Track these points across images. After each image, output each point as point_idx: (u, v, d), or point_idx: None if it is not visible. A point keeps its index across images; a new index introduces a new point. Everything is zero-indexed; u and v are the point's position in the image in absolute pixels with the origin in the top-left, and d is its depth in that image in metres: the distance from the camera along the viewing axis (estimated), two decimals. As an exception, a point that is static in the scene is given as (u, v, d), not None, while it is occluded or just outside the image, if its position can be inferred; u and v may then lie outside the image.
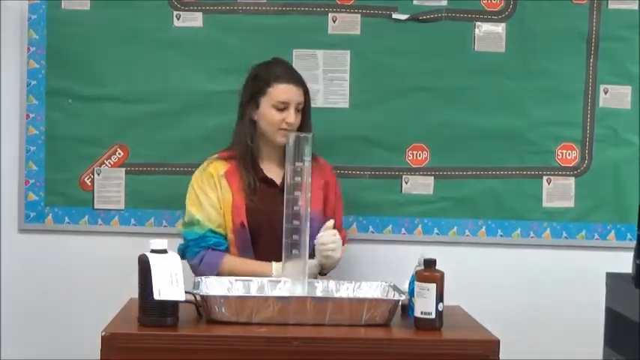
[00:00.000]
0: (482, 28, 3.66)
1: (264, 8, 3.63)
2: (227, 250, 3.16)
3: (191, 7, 3.62)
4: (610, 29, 3.66)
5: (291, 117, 3.16)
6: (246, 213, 3.15)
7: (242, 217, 3.14)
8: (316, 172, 3.12)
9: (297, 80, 3.21)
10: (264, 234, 3.15)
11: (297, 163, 2.72)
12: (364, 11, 3.64)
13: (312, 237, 3.01)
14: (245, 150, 3.21)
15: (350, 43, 3.64)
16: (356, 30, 3.64)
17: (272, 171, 3.24)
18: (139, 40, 3.62)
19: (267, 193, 3.19)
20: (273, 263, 3.05)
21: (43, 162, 3.63)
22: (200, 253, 3.14)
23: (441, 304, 2.60)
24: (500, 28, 3.65)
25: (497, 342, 2.54)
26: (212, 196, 3.18)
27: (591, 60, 3.67)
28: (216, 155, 3.26)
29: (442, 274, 2.62)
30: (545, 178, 3.70)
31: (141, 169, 3.63)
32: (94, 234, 3.67)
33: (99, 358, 2.48)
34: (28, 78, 3.61)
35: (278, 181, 3.22)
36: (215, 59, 3.54)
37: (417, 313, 2.61)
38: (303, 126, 3.23)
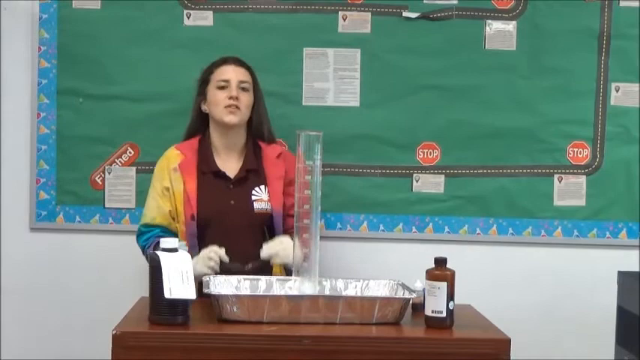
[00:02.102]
0: (493, 27, 3.65)
1: (274, 7, 3.63)
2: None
3: (201, 6, 3.62)
4: (621, 27, 3.65)
5: (234, 91, 3.20)
6: (197, 205, 3.17)
7: (192, 210, 3.17)
8: (276, 162, 3.25)
9: (238, 61, 3.29)
10: (212, 227, 3.18)
11: (307, 162, 2.72)
12: (374, 10, 3.64)
13: (276, 230, 3.17)
14: (198, 143, 3.27)
15: (360, 42, 3.64)
16: (366, 28, 3.64)
17: (227, 164, 3.26)
18: (150, 39, 3.62)
19: (218, 187, 3.22)
20: None
21: (54, 161, 3.64)
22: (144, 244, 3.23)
23: (451, 303, 2.60)
24: (511, 26, 3.64)
25: (508, 341, 2.54)
26: (157, 186, 3.24)
27: (602, 58, 3.66)
28: (174, 145, 3.31)
29: (453, 273, 2.62)
30: (556, 176, 3.69)
31: (152, 168, 3.61)
32: (104, 233, 3.67)
33: (110, 356, 2.48)
34: (39, 77, 3.62)
35: (231, 174, 3.24)
36: (225, 58, 3.54)
37: (428, 312, 2.61)
38: (255, 108, 3.28)
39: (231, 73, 3.24)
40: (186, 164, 3.21)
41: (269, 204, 3.21)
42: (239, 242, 3.15)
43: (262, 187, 3.23)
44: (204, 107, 3.28)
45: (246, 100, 3.23)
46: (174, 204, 3.19)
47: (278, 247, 3.06)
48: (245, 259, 3.09)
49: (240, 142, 3.28)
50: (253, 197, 3.21)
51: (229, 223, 3.17)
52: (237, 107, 3.20)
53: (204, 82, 3.28)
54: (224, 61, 3.28)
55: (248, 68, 3.29)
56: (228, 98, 3.19)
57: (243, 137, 3.28)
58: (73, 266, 3.68)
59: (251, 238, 3.18)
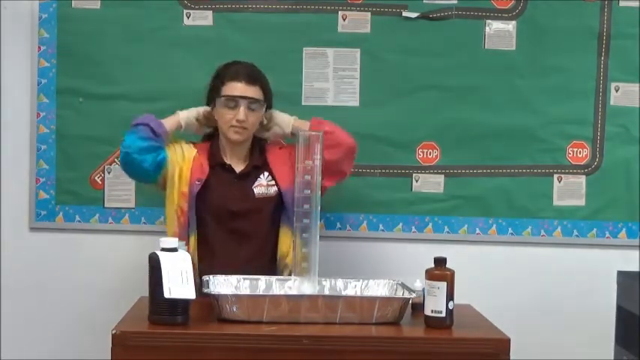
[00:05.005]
0: (493, 26, 3.65)
1: (274, 6, 3.63)
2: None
3: (201, 6, 3.62)
4: (621, 27, 3.65)
5: (241, 114, 3.16)
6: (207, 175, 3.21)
7: (204, 174, 3.18)
8: (279, 152, 3.30)
9: (251, 79, 3.20)
10: (215, 215, 3.18)
11: (306, 161, 2.72)
12: (374, 9, 3.64)
13: (288, 210, 3.13)
14: (208, 144, 3.28)
15: (360, 42, 3.64)
16: (366, 28, 3.64)
17: (234, 162, 3.26)
18: (150, 39, 3.62)
19: (224, 179, 3.22)
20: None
21: (53, 160, 3.64)
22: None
23: (451, 303, 2.60)
24: (510, 25, 3.64)
25: (508, 341, 2.54)
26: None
27: (602, 58, 3.66)
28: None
29: (452, 273, 2.62)
30: (556, 176, 3.69)
31: (151, 167, 3.63)
32: (104, 232, 3.67)
33: (109, 356, 2.48)
34: (38, 77, 3.62)
35: (237, 169, 3.25)
36: (225, 58, 3.51)
37: (428, 312, 2.61)
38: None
39: (241, 93, 3.17)
40: (199, 153, 3.22)
41: (268, 188, 3.20)
42: (240, 227, 3.17)
43: (264, 174, 3.24)
44: (215, 115, 3.24)
45: (253, 119, 3.19)
46: (180, 163, 3.18)
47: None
48: (246, 245, 3.16)
49: (245, 148, 3.28)
50: (254, 185, 3.22)
51: (232, 210, 3.18)
52: (244, 127, 3.18)
53: (212, 89, 3.23)
54: (236, 76, 3.19)
55: (260, 84, 3.23)
56: (235, 119, 3.17)
57: (248, 144, 3.28)
58: (72, 266, 3.68)
59: (253, 223, 3.19)
